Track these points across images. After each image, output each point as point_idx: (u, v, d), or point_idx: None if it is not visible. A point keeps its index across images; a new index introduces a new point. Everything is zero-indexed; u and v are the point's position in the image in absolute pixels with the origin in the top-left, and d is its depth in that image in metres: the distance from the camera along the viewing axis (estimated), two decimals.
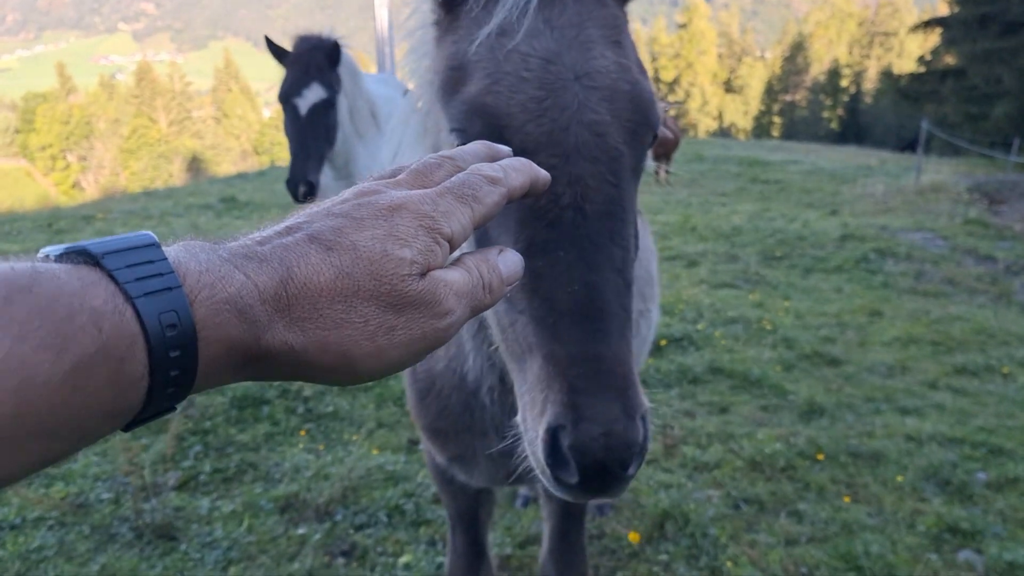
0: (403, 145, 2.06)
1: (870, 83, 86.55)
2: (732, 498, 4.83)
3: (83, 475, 4.89)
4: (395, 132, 2.12)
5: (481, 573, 3.04)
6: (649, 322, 3.62)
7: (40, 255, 0.65)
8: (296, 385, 6.03)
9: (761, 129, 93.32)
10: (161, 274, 0.64)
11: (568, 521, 2.98)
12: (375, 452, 5.07)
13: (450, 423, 2.41)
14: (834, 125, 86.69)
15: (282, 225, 0.78)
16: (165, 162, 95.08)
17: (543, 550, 3.12)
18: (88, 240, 0.66)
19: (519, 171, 0.94)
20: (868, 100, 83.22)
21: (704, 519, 4.48)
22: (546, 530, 3.11)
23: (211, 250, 0.71)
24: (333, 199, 0.84)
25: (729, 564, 4.11)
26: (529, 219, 1.41)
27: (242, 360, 0.70)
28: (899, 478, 5.02)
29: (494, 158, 0.98)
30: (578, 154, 1.44)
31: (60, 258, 0.64)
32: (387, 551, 4.21)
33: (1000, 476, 5.13)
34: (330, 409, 5.80)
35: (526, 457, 1.51)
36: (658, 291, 3.84)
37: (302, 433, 5.37)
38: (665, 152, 19.03)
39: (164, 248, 0.69)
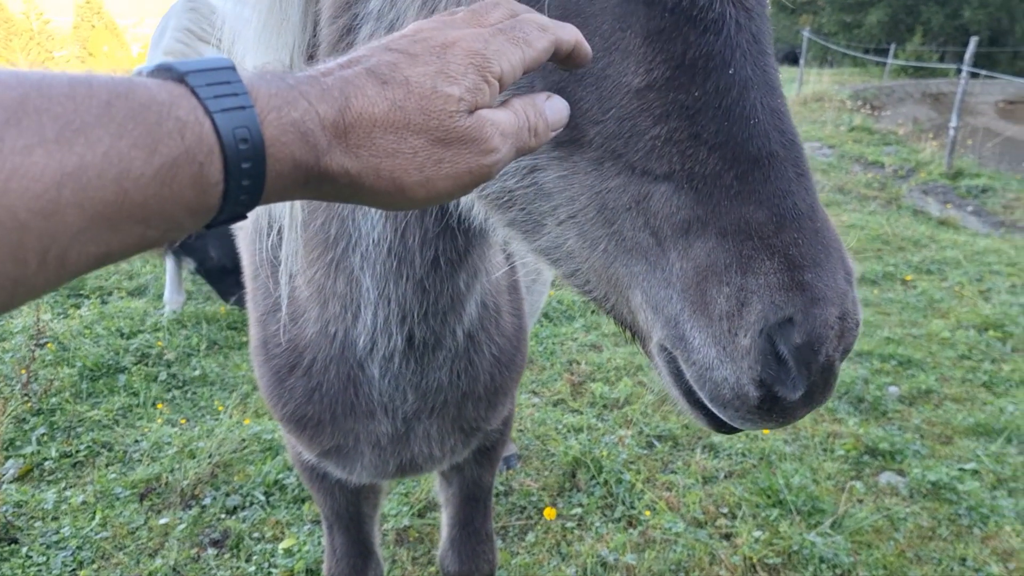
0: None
1: None
2: (645, 436, 4.50)
3: None
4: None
5: (368, 575, 2.54)
6: (544, 279, 3.14)
7: (134, 71, 0.77)
8: (156, 349, 5.31)
9: None
10: (236, 94, 0.71)
11: (471, 506, 2.51)
12: (248, 421, 4.46)
13: (324, 407, 1.87)
14: None
15: (345, 58, 0.83)
16: None
17: (443, 540, 2.65)
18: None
19: (566, 29, 0.95)
20: None
21: (617, 464, 4.13)
22: (445, 518, 2.63)
23: (281, 78, 0.77)
24: (394, 34, 0.88)
25: (647, 513, 3.78)
26: (671, 30, 1.02)
27: (304, 178, 0.76)
28: (826, 408, 4.80)
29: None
30: None
31: (151, 74, 0.72)
32: (265, 536, 3.67)
33: (912, 389, 5.00)
34: (197, 372, 5.13)
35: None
36: None
37: (159, 406, 4.69)
38: None
39: (240, 71, 0.73)
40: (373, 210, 1.48)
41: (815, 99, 18.60)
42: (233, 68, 0.73)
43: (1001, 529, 3.74)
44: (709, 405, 1.10)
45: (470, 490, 2.48)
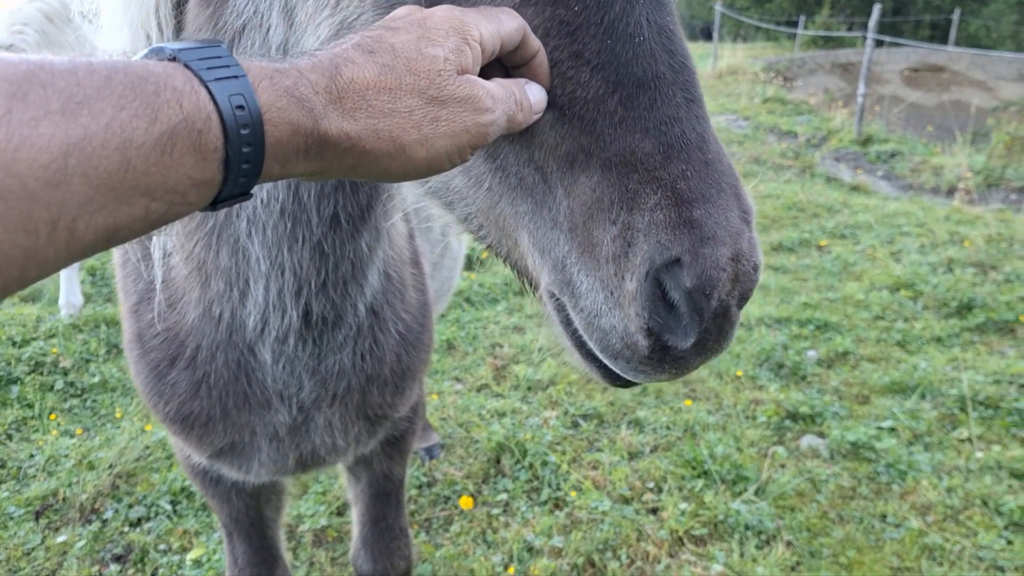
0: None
1: None
2: (570, 416, 4.43)
3: None
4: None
5: None
6: (454, 254, 3.01)
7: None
8: (51, 357, 4.99)
9: None
10: (228, 66, 0.73)
11: (383, 501, 2.36)
12: (149, 428, 4.21)
13: (213, 401, 1.68)
14: None
15: (331, 43, 0.87)
16: None
17: (354, 539, 2.49)
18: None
19: (520, 24, 0.94)
20: None
21: (543, 446, 4.04)
22: (355, 516, 2.48)
23: (270, 58, 0.86)
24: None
25: (573, 494, 3.70)
26: None
27: (304, 144, 0.77)
28: (738, 373, 4.80)
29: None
30: None
31: (145, 56, 0.74)
32: (172, 547, 3.46)
33: (830, 352, 5.05)
34: (97, 379, 4.83)
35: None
36: None
37: (52, 417, 4.40)
38: None
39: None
40: None
41: (729, 73, 18.86)
42: (222, 46, 0.76)
43: (919, 484, 3.78)
44: (600, 356, 1.02)
45: (380, 485, 2.33)
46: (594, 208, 0.93)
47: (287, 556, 2.49)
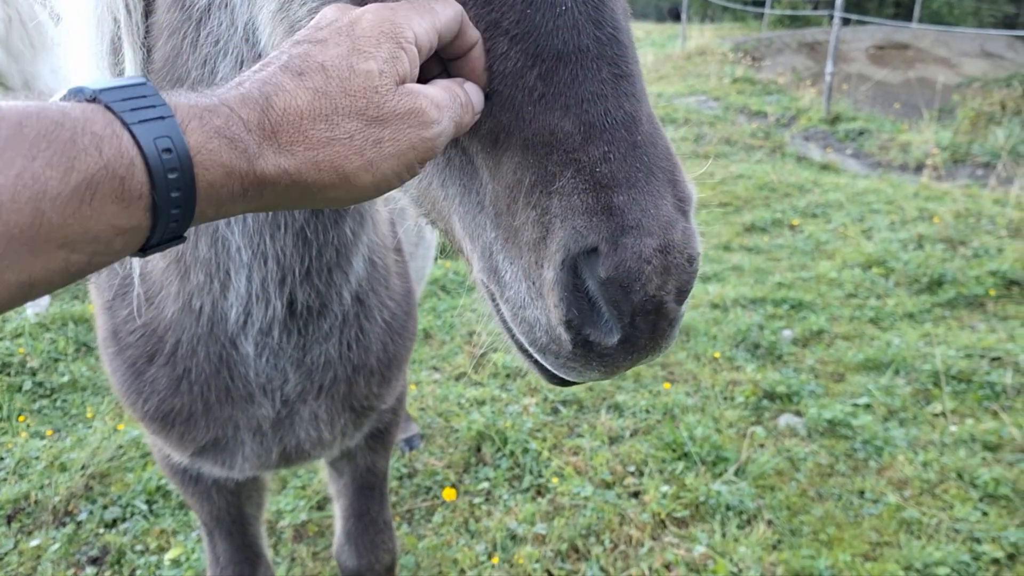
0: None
1: None
2: (550, 403, 4.42)
3: None
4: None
5: None
6: (427, 243, 2.97)
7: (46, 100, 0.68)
8: (18, 357, 4.88)
9: None
10: (154, 106, 0.69)
11: (367, 495, 2.34)
12: (122, 427, 4.14)
13: (195, 396, 1.63)
14: None
15: (258, 64, 0.80)
16: None
17: (337, 534, 2.47)
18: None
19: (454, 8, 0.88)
20: None
21: (523, 434, 4.03)
22: (338, 510, 2.45)
23: (198, 93, 0.75)
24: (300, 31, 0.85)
25: (555, 480, 3.70)
26: None
27: (241, 187, 0.73)
28: (716, 355, 4.82)
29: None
30: None
31: (63, 98, 0.70)
32: (149, 547, 3.41)
33: (805, 331, 5.09)
34: (66, 378, 4.73)
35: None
36: None
37: (21, 419, 4.31)
38: None
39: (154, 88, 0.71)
40: None
41: (698, 53, 18.85)
42: (147, 83, 0.71)
43: (895, 459, 3.83)
44: (529, 350, 0.98)
45: (364, 478, 2.30)
46: (516, 191, 0.88)
47: (268, 553, 2.46)
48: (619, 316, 0.85)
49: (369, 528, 2.36)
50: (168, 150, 0.67)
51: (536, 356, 0.98)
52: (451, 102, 0.84)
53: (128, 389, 1.69)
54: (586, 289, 0.86)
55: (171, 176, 0.67)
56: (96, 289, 1.79)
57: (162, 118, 0.68)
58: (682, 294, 0.88)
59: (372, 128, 0.78)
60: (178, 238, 0.73)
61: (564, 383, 1.03)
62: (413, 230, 2.56)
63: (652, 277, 0.83)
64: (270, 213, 1.33)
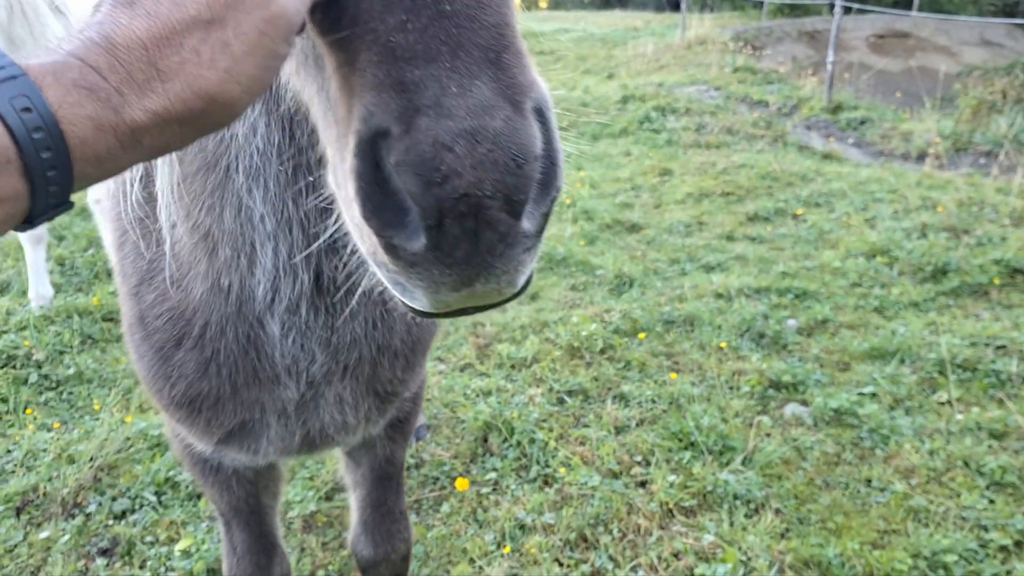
0: None
1: None
2: (555, 393, 4.42)
3: None
4: None
5: (274, 571, 2.33)
6: None
7: None
8: (24, 350, 4.88)
9: (529, 1, 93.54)
10: (3, 67, 0.65)
11: (384, 485, 2.33)
12: (129, 419, 4.14)
13: (223, 379, 1.60)
14: None
15: (92, 11, 0.77)
16: None
17: (354, 524, 2.47)
18: None
19: None
20: None
21: (529, 424, 4.03)
22: (354, 500, 2.45)
23: (46, 50, 0.70)
24: None
25: (562, 470, 3.70)
26: None
27: (116, 139, 0.69)
28: (721, 344, 4.82)
29: None
30: None
31: None
32: (159, 538, 3.42)
33: (809, 320, 5.09)
34: (72, 371, 4.73)
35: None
36: None
37: (28, 411, 4.31)
38: None
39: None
40: (249, 109, 1.20)
41: (699, 43, 18.79)
42: None
43: (901, 448, 3.83)
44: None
45: (382, 469, 2.29)
46: (336, 75, 0.80)
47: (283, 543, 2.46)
48: (422, 213, 0.74)
49: (386, 518, 2.36)
50: (27, 109, 0.64)
51: (374, 268, 0.88)
52: None
53: (155, 375, 1.66)
54: (388, 180, 0.76)
55: (36, 136, 0.64)
56: (121, 276, 1.76)
57: (13, 77, 0.64)
58: (512, 203, 0.75)
59: (212, 33, 0.70)
60: (65, 203, 0.70)
61: (419, 312, 0.90)
62: None
63: (457, 168, 0.72)
64: (290, 171, 1.27)
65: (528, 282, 0.91)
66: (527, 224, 0.78)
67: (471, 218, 0.74)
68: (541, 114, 0.80)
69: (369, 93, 0.75)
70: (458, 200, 0.72)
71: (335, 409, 1.76)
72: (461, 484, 3.56)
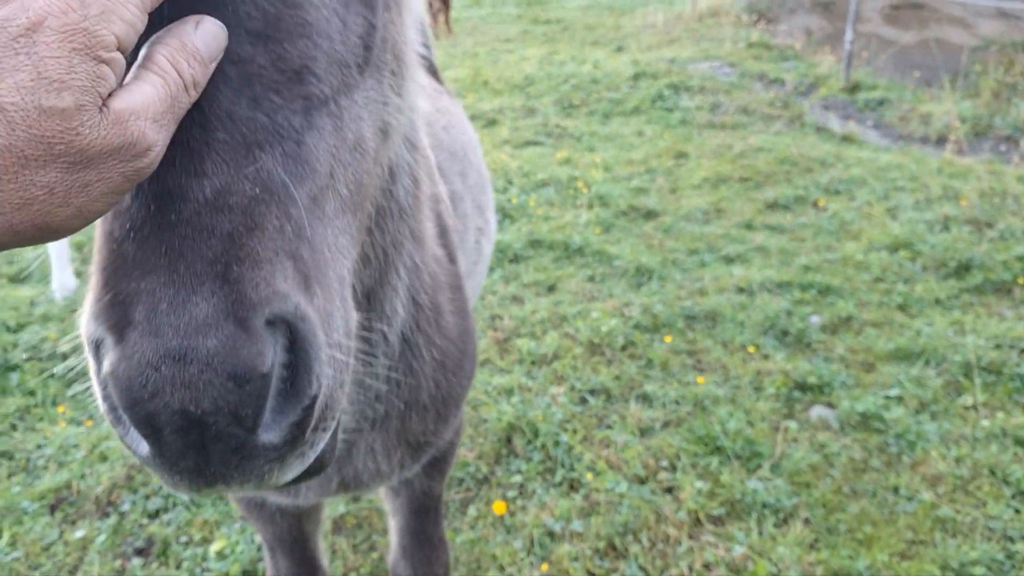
0: None
1: None
2: (577, 392, 4.44)
3: None
4: None
5: None
6: (490, 237, 2.95)
7: None
8: (49, 343, 4.90)
9: None
10: None
11: (422, 517, 2.36)
12: None
13: None
14: None
15: None
16: None
17: (393, 549, 2.50)
18: None
19: None
20: None
21: (553, 426, 4.05)
22: (393, 526, 2.48)
23: None
24: None
25: (589, 475, 3.73)
26: None
27: None
28: (750, 349, 4.81)
29: None
30: None
31: None
32: (194, 539, 3.46)
33: (833, 317, 5.08)
34: None
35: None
36: (491, 194, 3.13)
37: (60, 409, 4.34)
38: None
39: None
40: None
41: (711, 15, 18.52)
42: None
43: (928, 454, 3.85)
44: None
45: (420, 501, 2.32)
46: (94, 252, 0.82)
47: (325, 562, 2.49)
48: (137, 424, 0.74)
49: (424, 545, 2.39)
50: None
51: None
52: (172, 100, 0.71)
53: None
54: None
55: None
56: None
57: None
58: (240, 418, 0.73)
59: (75, 173, 0.64)
60: None
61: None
62: (473, 248, 2.55)
63: (164, 387, 0.70)
64: None
65: (323, 462, 0.92)
66: (268, 436, 0.76)
67: (194, 431, 0.73)
68: (288, 324, 0.76)
69: (93, 297, 0.75)
70: (173, 414, 0.71)
71: (367, 458, 1.79)
72: (499, 508, 3.54)
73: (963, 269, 5.59)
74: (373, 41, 0.98)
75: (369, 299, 1.45)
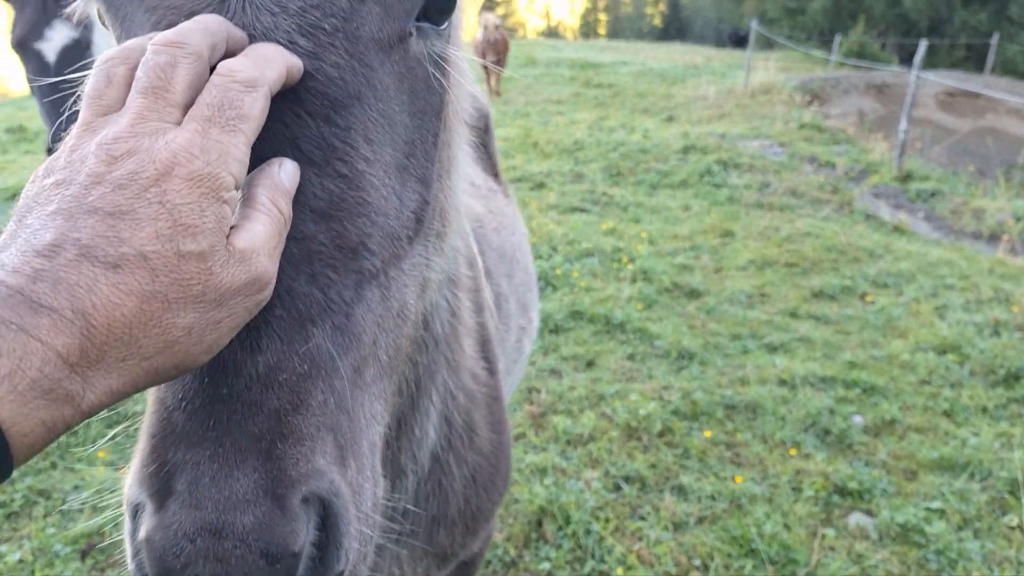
0: None
1: None
2: (611, 477, 4.38)
3: None
4: None
5: None
6: (531, 336, 2.96)
7: None
8: None
9: (588, 27, 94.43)
10: None
11: None
12: None
13: None
14: (657, 21, 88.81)
15: (38, 241, 0.63)
16: None
17: None
18: None
19: (273, 60, 0.77)
20: None
21: (585, 513, 4.00)
22: None
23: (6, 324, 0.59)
24: (66, 168, 0.68)
25: (620, 570, 3.66)
26: None
27: (66, 426, 0.62)
28: (791, 452, 4.73)
29: (230, 37, 0.78)
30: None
31: None
32: None
33: (876, 419, 4.98)
34: (140, 406, 4.81)
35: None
36: (537, 292, 3.14)
37: (101, 454, 4.40)
38: (497, 57, 18.18)
39: None
40: None
41: (763, 91, 18.68)
42: None
43: (969, 575, 3.72)
44: None
45: None
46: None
47: None
48: None
49: None
50: None
51: None
52: (280, 234, 0.76)
53: None
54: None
55: None
56: None
57: None
58: None
59: (209, 312, 0.68)
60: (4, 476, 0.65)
61: None
62: (513, 347, 2.56)
63: (197, 559, 0.71)
64: None
65: None
66: None
67: None
68: (322, 500, 0.78)
69: (139, 463, 0.77)
70: None
71: (393, 565, 1.78)
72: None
73: (1012, 378, 5.46)
74: (425, 214, 1.01)
75: (400, 424, 1.46)
